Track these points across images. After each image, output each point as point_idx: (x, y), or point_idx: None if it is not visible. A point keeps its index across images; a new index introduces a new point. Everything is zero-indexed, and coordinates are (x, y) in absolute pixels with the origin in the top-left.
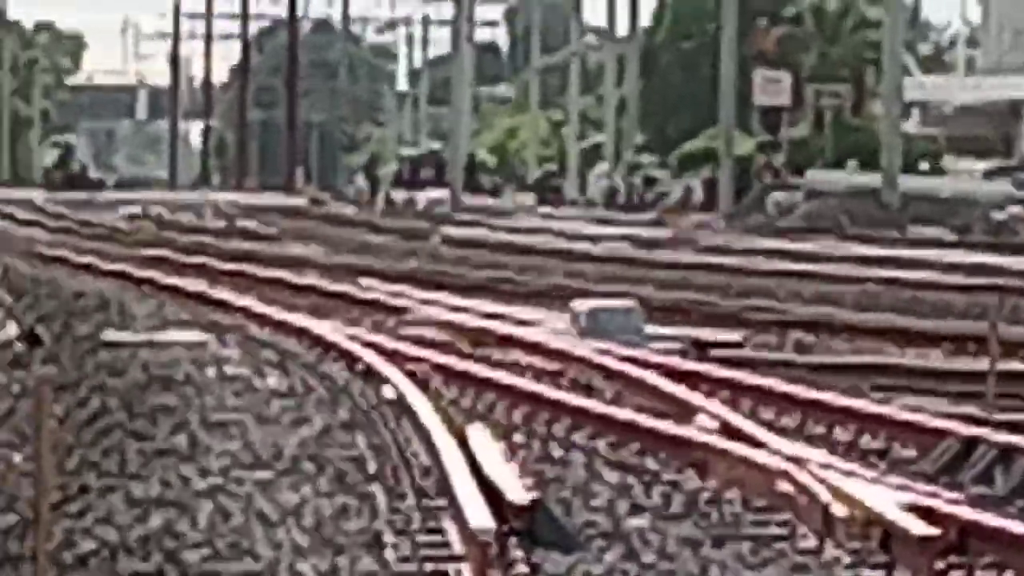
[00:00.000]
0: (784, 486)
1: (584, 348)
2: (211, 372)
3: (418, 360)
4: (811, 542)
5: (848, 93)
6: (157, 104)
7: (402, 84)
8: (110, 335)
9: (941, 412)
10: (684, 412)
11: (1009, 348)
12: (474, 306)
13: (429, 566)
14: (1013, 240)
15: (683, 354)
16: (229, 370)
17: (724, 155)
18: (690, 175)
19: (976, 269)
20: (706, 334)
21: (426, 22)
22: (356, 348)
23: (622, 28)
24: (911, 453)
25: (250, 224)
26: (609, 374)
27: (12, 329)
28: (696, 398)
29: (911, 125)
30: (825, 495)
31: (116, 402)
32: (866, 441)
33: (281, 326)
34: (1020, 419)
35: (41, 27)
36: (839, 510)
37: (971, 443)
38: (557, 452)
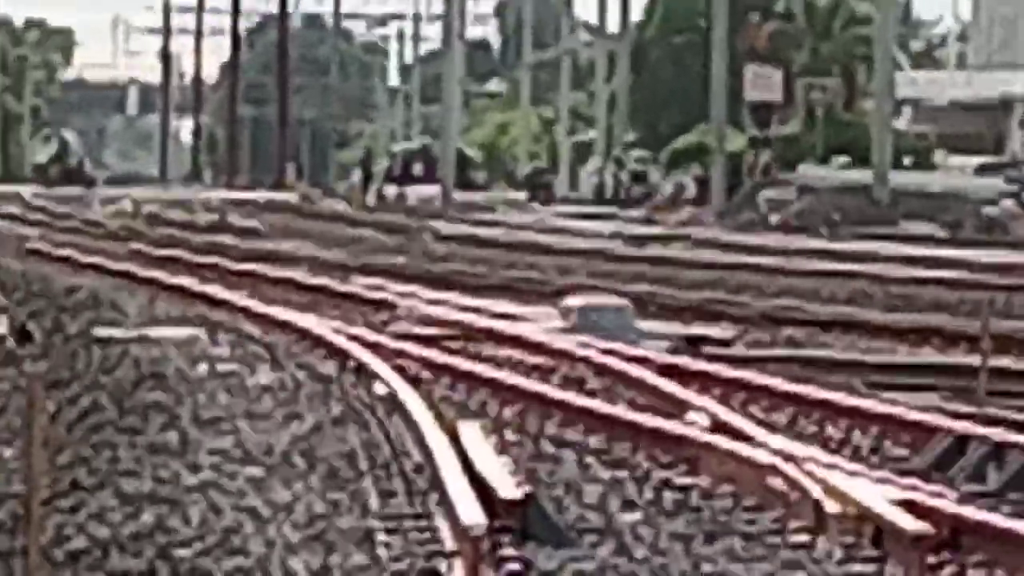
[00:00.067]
0: (775, 482)
1: (574, 344)
2: (202, 368)
3: (408, 356)
4: (803, 537)
5: (839, 89)
6: (148, 100)
7: (393, 80)
8: (101, 331)
9: (933, 407)
10: (675, 408)
11: (1001, 344)
12: (465, 302)
13: (421, 563)
14: (1004, 237)
15: (674, 351)
16: (220, 366)
17: (716, 151)
18: (681, 171)
19: (967, 265)
20: (697, 330)
21: (417, 18)
22: (346, 343)
23: (613, 24)
24: (903, 450)
25: (241, 221)
26: (600, 370)
27: (3, 325)
28: (687, 394)
29: (902, 122)
30: (817, 491)
31: (107, 398)
32: (858, 437)
33: (270, 321)
34: (1012, 415)
35: (31, 24)
36: (831, 506)
37: (963, 439)
38: (549, 448)
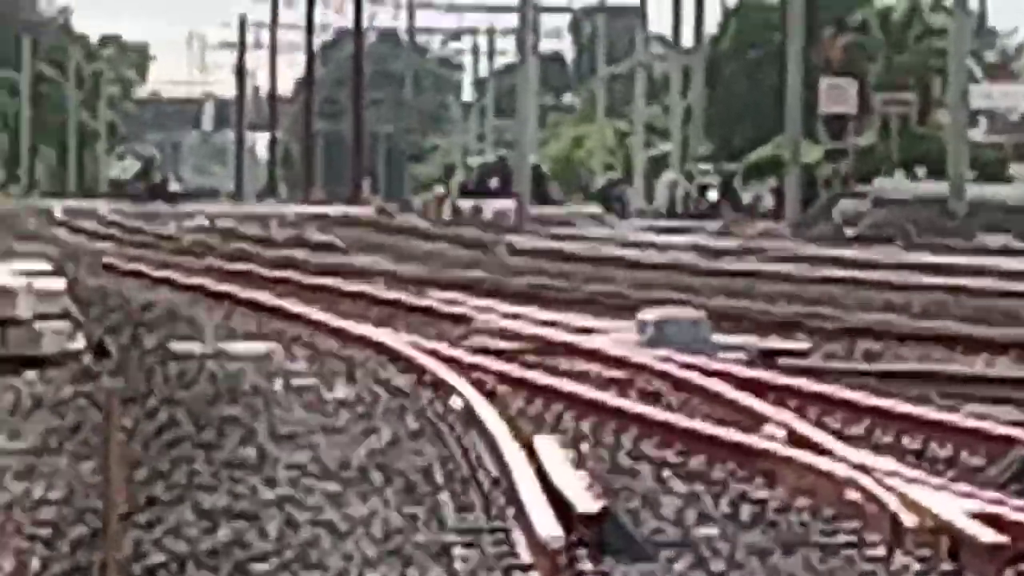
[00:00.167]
0: (852, 495)
1: (650, 358)
2: (278, 383)
3: (484, 370)
4: (880, 550)
5: (914, 101)
6: (223, 115)
7: (468, 95)
8: (178, 346)
9: (1009, 420)
10: (753, 421)
11: None
12: (541, 316)
13: None
14: None
15: (750, 363)
16: (296, 381)
17: (791, 164)
18: (756, 184)
19: None
20: (773, 343)
21: (491, 32)
22: (422, 358)
23: (687, 38)
24: (979, 461)
25: (317, 236)
26: (676, 383)
27: (80, 341)
28: (765, 407)
29: (977, 133)
30: (894, 503)
31: (184, 413)
32: (933, 449)
33: (347, 336)
34: None
35: (107, 39)
36: (907, 519)
37: None
38: (626, 462)
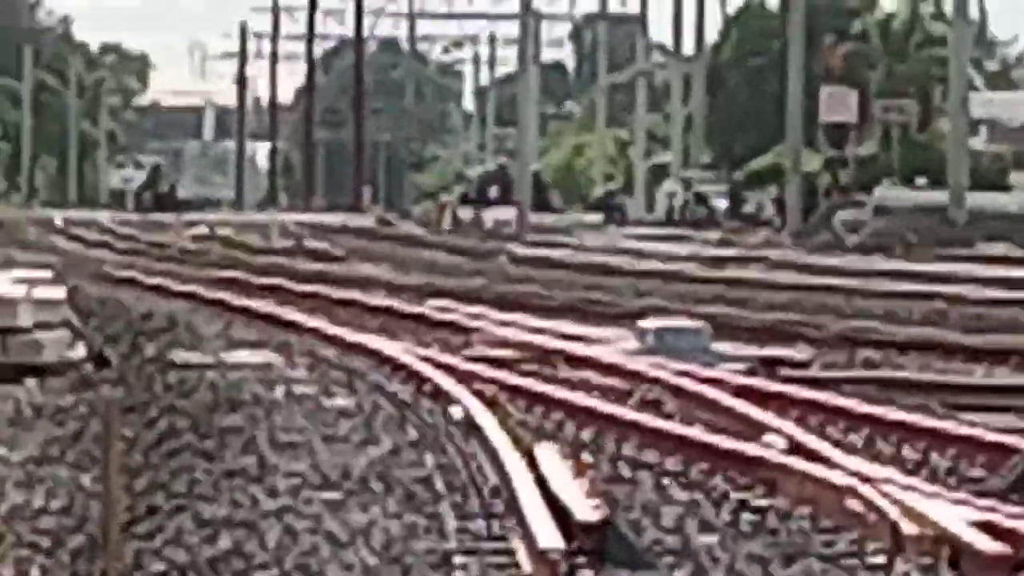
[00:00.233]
0: (853, 503)
1: (650, 367)
2: (279, 392)
3: (483, 378)
4: (880, 559)
5: (914, 110)
6: (224, 125)
7: (468, 103)
8: (178, 356)
9: (1010, 428)
10: (751, 430)
11: None
12: (541, 324)
13: None
14: None
15: (751, 372)
16: (297, 390)
17: (791, 172)
18: (757, 192)
19: None
20: (774, 352)
21: (492, 41)
22: (422, 367)
23: (688, 46)
24: (981, 471)
25: (318, 244)
26: (676, 392)
27: (80, 351)
28: (763, 416)
29: (978, 142)
30: (894, 512)
31: (184, 423)
32: (934, 458)
33: (347, 345)
34: None
35: (107, 48)
36: (908, 527)
37: None
38: (626, 471)
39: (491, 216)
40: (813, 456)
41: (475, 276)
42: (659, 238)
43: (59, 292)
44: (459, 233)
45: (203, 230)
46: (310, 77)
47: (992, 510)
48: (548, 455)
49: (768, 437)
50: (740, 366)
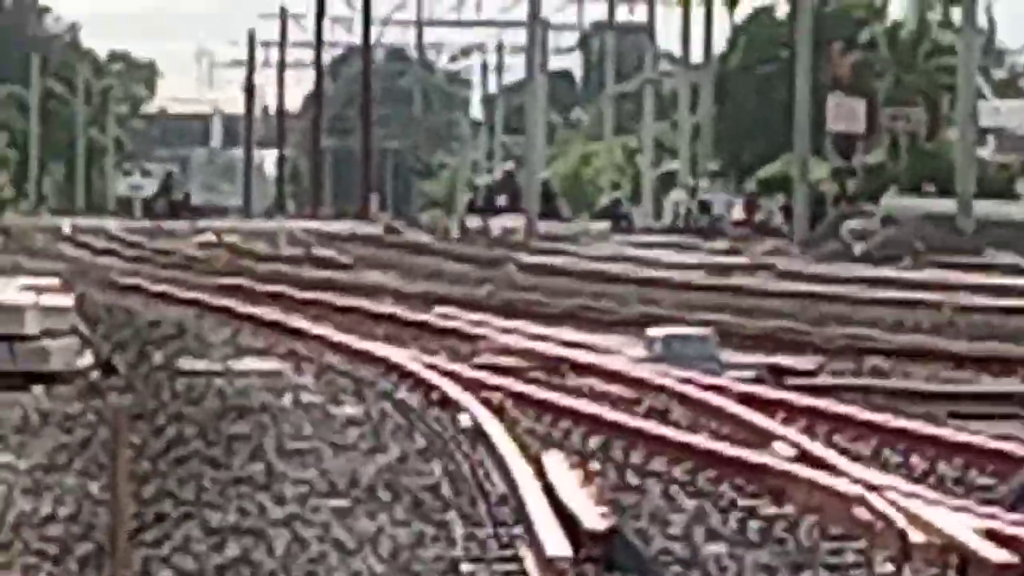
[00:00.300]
0: (860, 512)
1: (658, 375)
2: (287, 400)
3: (491, 387)
4: (888, 567)
5: (922, 118)
6: (231, 132)
7: (476, 111)
8: (186, 364)
9: (1019, 438)
10: (759, 438)
11: None
12: (548, 333)
13: None
14: None
15: (759, 381)
16: (305, 398)
17: (799, 181)
18: (766, 201)
19: None
20: (781, 360)
21: (500, 49)
22: (431, 375)
23: (696, 54)
24: (989, 480)
25: (325, 252)
26: (684, 401)
27: (88, 358)
28: (770, 424)
29: (986, 151)
30: (901, 521)
31: (192, 430)
32: (943, 468)
33: (355, 354)
34: None
35: (115, 56)
36: (915, 536)
37: None
38: (633, 479)
39: (498, 224)
40: (820, 464)
41: (483, 284)
42: (662, 245)
43: (67, 299)
44: (466, 241)
45: (210, 237)
46: (318, 85)
47: (993, 517)
48: (556, 463)
49: (776, 445)
50: (747, 374)
